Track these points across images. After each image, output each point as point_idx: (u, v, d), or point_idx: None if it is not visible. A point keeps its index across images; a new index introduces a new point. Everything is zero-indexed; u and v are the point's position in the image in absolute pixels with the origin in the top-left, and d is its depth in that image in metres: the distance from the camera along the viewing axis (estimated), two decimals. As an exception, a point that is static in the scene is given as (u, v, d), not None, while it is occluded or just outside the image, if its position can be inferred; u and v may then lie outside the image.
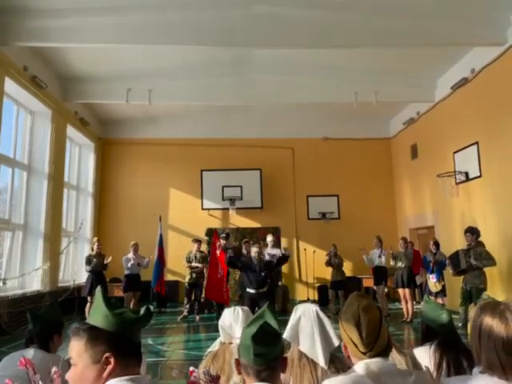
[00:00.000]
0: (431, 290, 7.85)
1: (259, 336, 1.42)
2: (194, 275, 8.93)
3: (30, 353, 2.45)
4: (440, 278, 7.81)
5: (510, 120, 7.31)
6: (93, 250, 8.49)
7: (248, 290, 6.75)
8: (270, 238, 9.31)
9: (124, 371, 1.22)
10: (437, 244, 8.10)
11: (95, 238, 8.93)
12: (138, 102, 9.75)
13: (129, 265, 8.68)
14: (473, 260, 6.66)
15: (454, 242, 8.82)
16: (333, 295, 9.49)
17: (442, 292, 7.82)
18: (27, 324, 2.61)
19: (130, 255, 8.86)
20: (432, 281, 7.83)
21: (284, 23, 7.23)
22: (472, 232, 6.99)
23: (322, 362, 1.91)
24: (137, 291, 8.73)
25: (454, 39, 7.48)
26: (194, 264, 8.96)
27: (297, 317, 2.01)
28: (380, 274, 9.08)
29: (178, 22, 7.17)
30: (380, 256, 9.06)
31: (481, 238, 7.10)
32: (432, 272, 7.86)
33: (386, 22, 7.19)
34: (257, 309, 6.52)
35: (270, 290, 7.23)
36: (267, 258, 9.15)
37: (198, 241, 9.32)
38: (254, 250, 6.95)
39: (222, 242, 8.78)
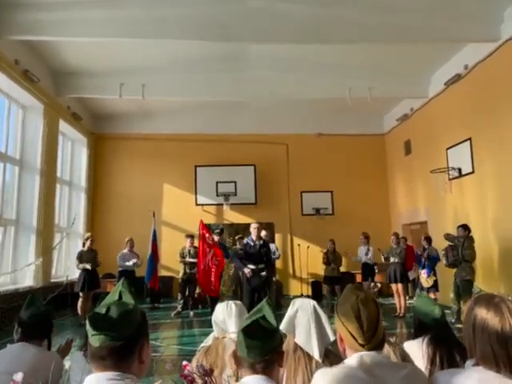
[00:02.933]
0: (423, 285, 7.91)
1: (250, 329, 1.45)
2: (187, 271, 8.87)
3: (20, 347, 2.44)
4: (431, 272, 7.85)
5: (503, 116, 7.36)
6: (84, 245, 8.30)
7: (248, 265, 6.89)
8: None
9: None
10: (428, 239, 8.18)
11: (88, 234, 8.72)
12: (131, 97, 9.68)
13: (130, 263, 8.67)
14: (460, 254, 6.91)
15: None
16: (328, 290, 9.58)
17: (434, 287, 7.87)
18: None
19: (126, 251, 8.74)
20: (423, 276, 7.88)
21: (279, 18, 7.21)
22: (465, 228, 7.16)
23: (316, 355, 1.92)
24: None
25: (448, 35, 7.52)
26: (188, 259, 8.91)
27: (294, 310, 2.04)
28: (366, 270, 9.31)
29: (172, 16, 7.12)
30: (367, 253, 9.19)
31: (474, 234, 7.18)
32: (423, 267, 7.91)
33: (380, 18, 7.20)
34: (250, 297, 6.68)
35: (266, 278, 7.29)
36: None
37: (191, 236, 9.24)
38: (253, 226, 7.01)
39: (216, 237, 8.74)
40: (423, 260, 7.95)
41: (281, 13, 7.17)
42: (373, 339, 1.44)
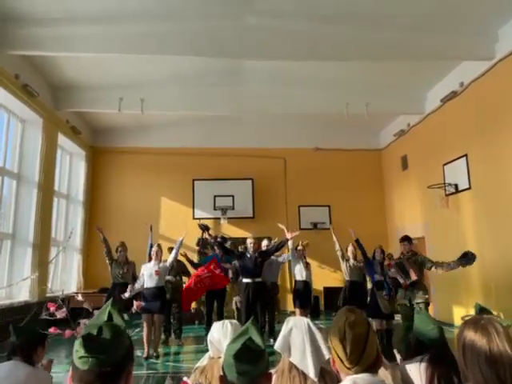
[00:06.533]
0: (383, 310, 6.09)
1: (242, 353, 1.38)
2: (170, 290, 7.30)
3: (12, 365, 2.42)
4: (391, 293, 6.13)
5: (499, 133, 7.42)
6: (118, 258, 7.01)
7: (244, 280, 6.77)
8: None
9: None
10: (384, 252, 6.65)
11: (120, 242, 7.20)
12: (130, 112, 9.74)
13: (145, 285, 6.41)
14: (435, 268, 5.88)
15: (444, 252, 8.84)
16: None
17: (390, 315, 6.17)
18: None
19: (153, 262, 6.64)
20: (385, 298, 6.13)
21: (276, 35, 7.32)
22: (410, 240, 6.27)
23: (312, 374, 1.90)
24: (157, 313, 6.31)
25: (443, 53, 7.64)
26: (168, 277, 7.19)
27: (288, 328, 2.01)
28: (302, 291, 7.27)
29: (170, 32, 7.22)
30: (307, 268, 7.45)
31: (474, 251, 7.01)
32: (382, 288, 6.20)
33: (375, 35, 7.31)
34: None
35: (268, 295, 7.13)
36: None
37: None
38: (249, 242, 6.97)
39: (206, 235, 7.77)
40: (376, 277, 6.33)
41: (277, 30, 7.27)
42: (360, 362, 1.43)
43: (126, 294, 6.35)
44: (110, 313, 1.26)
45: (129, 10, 6.90)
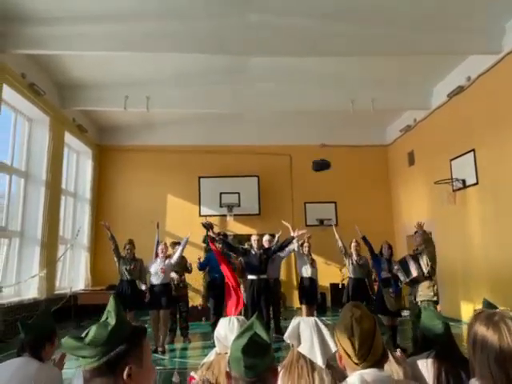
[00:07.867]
0: (389, 307, 6.03)
1: (249, 348, 1.40)
2: (174, 286, 7.08)
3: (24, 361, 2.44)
4: (398, 291, 6.06)
5: (506, 127, 7.36)
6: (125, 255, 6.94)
7: (249, 276, 6.77)
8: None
9: None
10: (391, 248, 6.55)
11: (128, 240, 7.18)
12: (135, 110, 9.77)
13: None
14: (424, 267, 5.50)
15: (451, 248, 8.84)
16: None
17: (397, 312, 6.13)
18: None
19: (159, 260, 6.80)
20: (391, 296, 6.04)
21: (279, 32, 7.30)
22: (423, 232, 5.77)
23: (320, 361, 1.96)
24: (164, 309, 6.53)
25: (450, 48, 7.57)
26: (173, 275, 7.10)
27: (297, 321, 2.09)
28: (308, 288, 7.31)
29: (174, 29, 7.23)
30: (313, 265, 7.41)
31: (479, 246, 6.97)
32: (389, 285, 6.10)
33: (380, 30, 7.27)
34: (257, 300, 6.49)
35: (272, 293, 7.13)
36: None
37: (178, 243, 7.36)
38: (253, 239, 7.00)
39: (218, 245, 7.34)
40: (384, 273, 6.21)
41: (280, 26, 7.25)
42: (368, 357, 1.43)
43: (143, 287, 6.77)
44: (107, 312, 1.25)
45: (131, 8, 6.89)
